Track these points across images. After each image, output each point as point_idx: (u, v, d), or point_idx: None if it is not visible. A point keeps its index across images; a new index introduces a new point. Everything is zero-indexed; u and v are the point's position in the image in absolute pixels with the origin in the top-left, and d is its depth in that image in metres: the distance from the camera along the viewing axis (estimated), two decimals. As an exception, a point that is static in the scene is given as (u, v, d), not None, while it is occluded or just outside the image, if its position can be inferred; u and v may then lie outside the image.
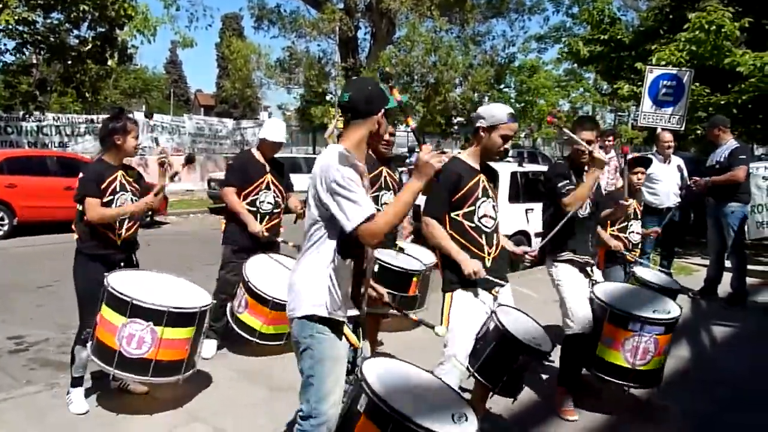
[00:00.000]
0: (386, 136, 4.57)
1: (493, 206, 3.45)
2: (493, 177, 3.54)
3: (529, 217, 8.98)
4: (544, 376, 4.63)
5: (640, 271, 4.90)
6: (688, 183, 7.17)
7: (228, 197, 4.95)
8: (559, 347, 4.00)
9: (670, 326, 3.96)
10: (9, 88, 18.24)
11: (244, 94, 28.54)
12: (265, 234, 4.90)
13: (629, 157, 4.98)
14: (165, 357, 3.72)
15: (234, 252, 4.97)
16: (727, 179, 6.74)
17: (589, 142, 3.92)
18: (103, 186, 3.93)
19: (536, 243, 8.52)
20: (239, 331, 4.67)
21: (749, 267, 7.32)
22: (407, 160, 16.37)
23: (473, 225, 3.36)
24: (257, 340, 4.63)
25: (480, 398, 3.61)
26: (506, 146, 3.36)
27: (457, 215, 3.36)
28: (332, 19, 21.43)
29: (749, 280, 7.28)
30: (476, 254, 3.33)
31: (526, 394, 4.29)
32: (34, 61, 17.42)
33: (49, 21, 15.16)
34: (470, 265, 3.20)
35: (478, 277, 3.22)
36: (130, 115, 4.19)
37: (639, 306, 3.98)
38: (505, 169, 9.45)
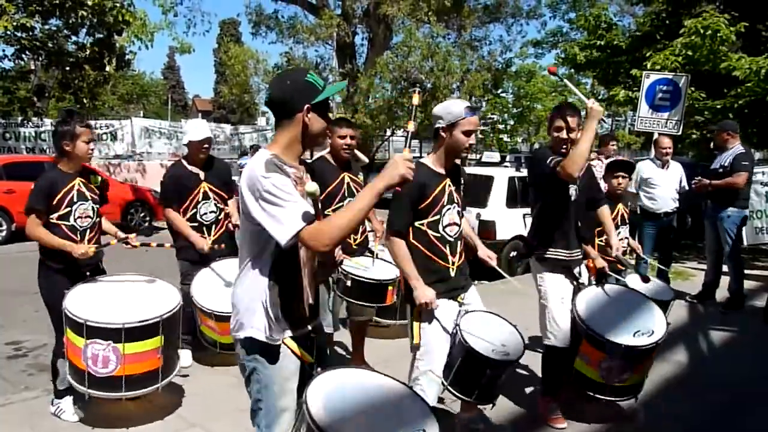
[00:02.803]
0: (346, 139, 4.32)
1: (458, 212, 3.36)
2: (458, 178, 3.42)
3: (527, 222, 8.98)
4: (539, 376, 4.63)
5: (631, 282, 4.74)
6: (692, 184, 7.09)
7: (169, 217, 4.76)
8: (531, 352, 3.94)
9: (651, 350, 3.81)
10: (7, 94, 18.22)
11: (242, 99, 28.50)
12: (211, 248, 4.68)
13: (608, 160, 4.86)
14: (135, 371, 3.61)
15: (191, 265, 4.76)
16: (726, 184, 6.75)
17: (570, 129, 3.76)
18: (57, 197, 3.73)
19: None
20: (205, 343, 4.64)
21: (747, 271, 7.33)
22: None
23: (438, 235, 3.27)
24: (219, 350, 4.55)
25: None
26: (471, 141, 3.23)
27: (422, 224, 3.27)
28: (330, 25, 21.43)
29: (747, 284, 7.29)
30: (441, 265, 3.28)
31: (519, 398, 4.30)
32: (32, 67, 17.44)
33: (47, 27, 15.16)
34: (422, 296, 3.15)
35: (429, 308, 3.16)
36: (80, 118, 3.93)
37: (620, 325, 3.80)
38: (502, 174, 9.47)
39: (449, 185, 3.32)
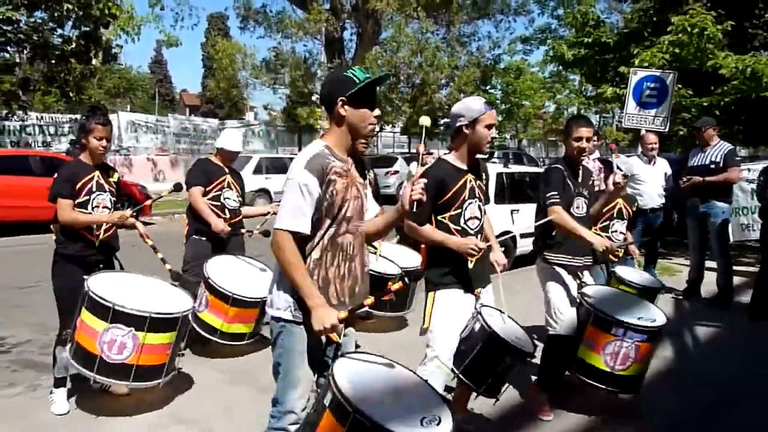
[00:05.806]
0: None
1: (479, 206, 3.42)
2: (480, 173, 3.50)
3: (515, 218, 9.01)
4: (531, 377, 4.64)
5: (621, 271, 4.88)
6: (681, 183, 7.08)
7: (193, 196, 5.03)
8: (541, 348, 4.01)
9: (654, 335, 3.93)
10: (-9, 87, 18.05)
11: (230, 94, 28.47)
12: (228, 230, 5.00)
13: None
14: (146, 362, 3.69)
15: (195, 252, 5.03)
16: (723, 180, 6.79)
17: (587, 139, 3.95)
18: (77, 186, 3.89)
19: (522, 244, 8.57)
20: (200, 330, 4.65)
21: (733, 268, 7.37)
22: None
23: (459, 228, 3.33)
24: (218, 339, 4.64)
25: (462, 399, 3.61)
26: (493, 134, 3.35)
27: (443, 218, 3.33)
28: (318, 19, 21.40)
29: (733, 280, 7.32)
30: (460, 258, 3.29)
31: (507, 393, 4.31)
32: (18, 60, 17.25)
33: (32, 20, 15.02)
34: (465, 245, 3.20)
35: (478, 252, 3.19)
36: (105, 115, 4.05)
37: (624, 311, 3.95)
38: (490, 171, 9.43)
39: (471, 180, 3.38)
